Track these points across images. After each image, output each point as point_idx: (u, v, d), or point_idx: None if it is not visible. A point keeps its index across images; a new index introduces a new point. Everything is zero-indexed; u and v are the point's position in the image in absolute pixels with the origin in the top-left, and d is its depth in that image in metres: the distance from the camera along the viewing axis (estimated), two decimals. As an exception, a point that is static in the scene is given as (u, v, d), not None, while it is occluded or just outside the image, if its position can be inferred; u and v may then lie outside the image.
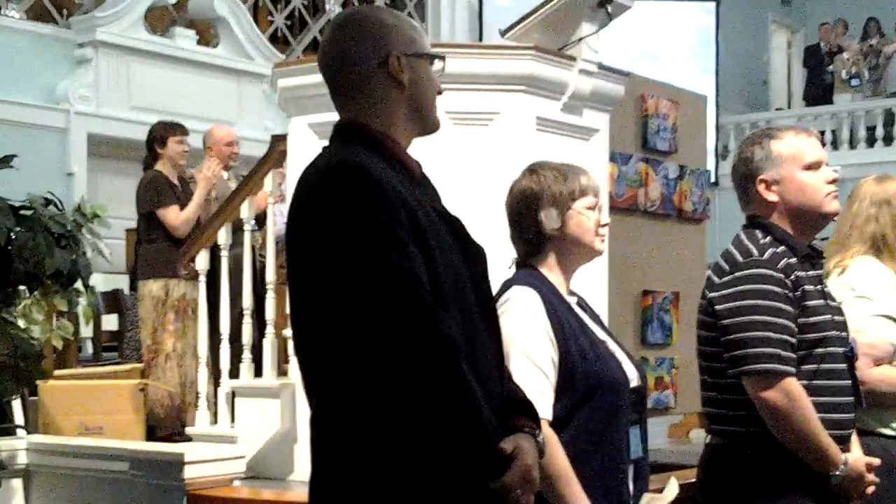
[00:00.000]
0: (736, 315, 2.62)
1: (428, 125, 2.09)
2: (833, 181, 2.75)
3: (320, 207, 1.89)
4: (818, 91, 14.86)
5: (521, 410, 2.04)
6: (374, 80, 2.02)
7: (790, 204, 2.73)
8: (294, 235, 1.95)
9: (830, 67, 14.65)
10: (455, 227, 2.03)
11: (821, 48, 14.99)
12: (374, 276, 1.82)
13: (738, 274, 2.66)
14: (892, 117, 13.74)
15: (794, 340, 2.61)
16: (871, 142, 13.87)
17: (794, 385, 2.58)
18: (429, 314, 1.82)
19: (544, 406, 2.35)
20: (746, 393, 2.61)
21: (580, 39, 3.80)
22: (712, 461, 2.77)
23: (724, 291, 2.66)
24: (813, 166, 2.73)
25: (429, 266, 1.88)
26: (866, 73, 14.49)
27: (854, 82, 14.42)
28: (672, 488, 2.62)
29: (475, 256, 2.05)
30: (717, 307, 2.66)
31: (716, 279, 2.71)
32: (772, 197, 2.73)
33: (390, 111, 2.02)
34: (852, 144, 13.87)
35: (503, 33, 3.82)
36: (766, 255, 2.66)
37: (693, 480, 3.72)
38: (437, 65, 2.09)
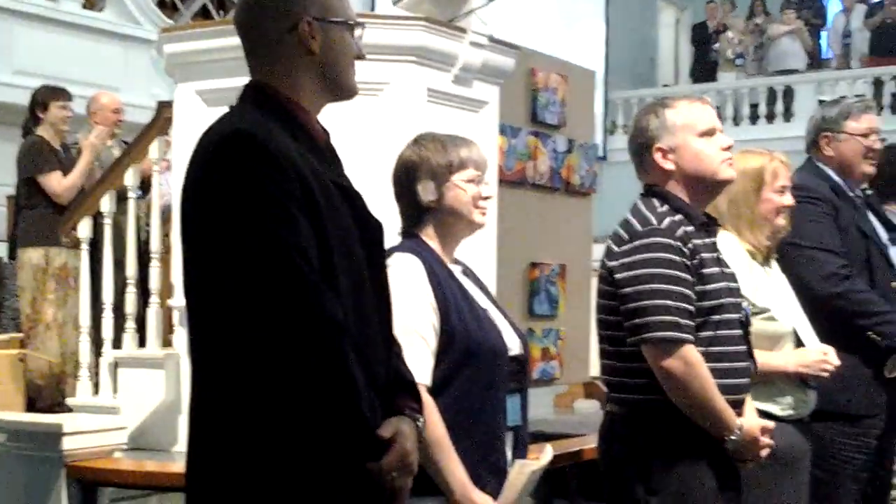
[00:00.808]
0: (635, 284, 2.65)
1: (341, 92, 2.07)
2: (728, 147, 2.79)
3: (212, 178, 1.86)
4: (704, 68, 15.13)
5: (405, 391, 2.05)
6: (284, 45, 2.00)
7: (686, 171, 2.76)
8: (186, 204, 1.92)
9: (717, 45, 14.93)
10: (354, 200, 2.01)
11: (707, 26, 15.24)
12: (260, 252, 1.80)
13: (637, 243, 2.68)
14: (775, 95, 14.10)
15: (692, 308, 2.66)
16: (754, 119, 14.23)
17: (692, 352, 2.62)
18: (314, 293, 1.81)
19: (423, 372, 2.36)
20: (646, 361, 2.65)
21: (471, 11, 3.81)
22: (612, 429, 2.81)
23: (623, 260, 2.69)
24: (707, 133, 2.77)
25: (320, 241, 1.86)
26: (751, 51, 14.81)
27: (739, 61, 14.72)
28: (546, 455, 2.66)
29: (372, 231, 2.04)
30: (617, 276, 2.69)
31: (615, 248, 2.73)
32: (668, 165, 2.77)
33: (300, 77, 2.01)
34: (736, 121, 14.19)
35: (395, 3, 3.80)
36: (665, 224, 2.69)
37: (574, 450, 3.81)
38: (357, 31, 2.07)
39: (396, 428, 1.93)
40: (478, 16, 3.86)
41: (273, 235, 1.81)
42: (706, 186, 2.79)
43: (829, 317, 3.38)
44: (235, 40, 2.08)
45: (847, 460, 3.52)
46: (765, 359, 3.04)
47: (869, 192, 3.93)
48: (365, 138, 3.60)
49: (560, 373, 4.89)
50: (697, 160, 2.76)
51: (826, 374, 3.15)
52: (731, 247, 3.12)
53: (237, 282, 1.81)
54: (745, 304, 2.86)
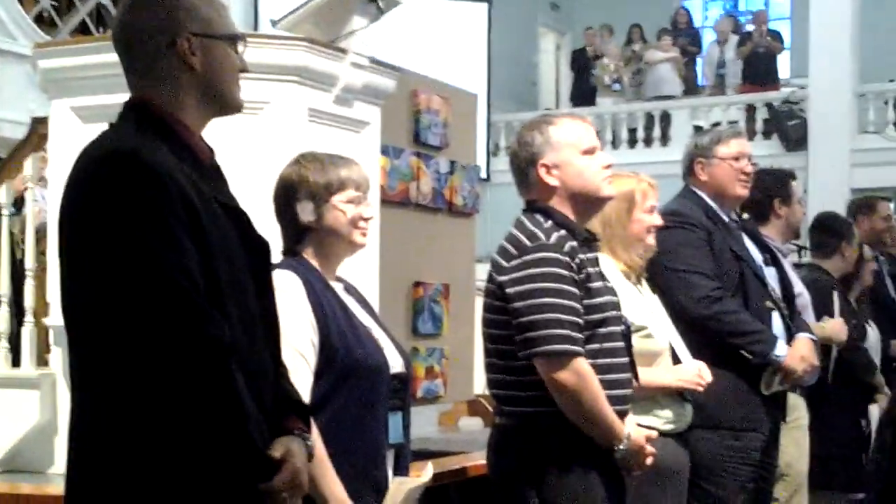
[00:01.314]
0: (527, 298, 2.69)
1: (226, 107, 2.04)
2: (608, 166, 2.86)
3: (93, 197, 1.82)
4: (584, 93, 15.38)
5: (294, 411, 2.05)
6: (164, 62, 1.96)
7: (570, 188, 2.81)
8: (65, 223, 1.88)
9: (595, 71, 15.21)
10: (240, 220, 1.99)
11: (586, 52, 15.52)
12: (143, 273, 1.77)
13: (526, 258, 2.73)
14: (653, 120, 14.43)
15: (581, 321, 2.71)
16: (632, 143, 14.53)
17: (584, 365, 2.68)
18: (198, 314, 1.78)
19: (302, 389, 2.35)
20: (537, 374, 2.69)
21: (352, 32, 3.82)
22: (502, 441, 2.84)
23: (514, 275, 2.73)
24: (589, 151, 2.84)
25: (205, 262, 1.83)
26: (626, 78, 15.11)
27: (615, 86, 15.02)
28: (426, 473, 2.67)
29: (258, 251, 2.02)
30: (508, 290, 2.72)
31: (504, 263, 2.77)
32: (552, 181, 2.81)
33: (181, 93, 1.97)
34: (615, 145, 14.47)
35: (275, 23, 3.79)
36: (553, 239, 2.74)
37: (456, 467, 3.83)
38: (240, 45, 2.04)
39: (287, 448, 1.92)
40: (359, 37, 3.87)
41: (156, 256, 1.78)
42: (589, 203, 2.86)
43: (703, 336, 3.50)
44: (112, 56, 2.04)
45: (733, 472, 3.62)
46: (646, 375, 3.12)
47: (745, 216, 4.07)
48: (245, 157, 3.57)
49: (444, 391, 4.91)
50: (581, 177, 2.82)
51: (701, 389, 3.25)
52: (607, 267, 3.20)
53: (120, 303, 1.77)
54: (624, 318, 2.94)
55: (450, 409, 5.77)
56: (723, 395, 3.51)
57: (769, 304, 3.81)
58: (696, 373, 3.26)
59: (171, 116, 1.96)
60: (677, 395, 3.28)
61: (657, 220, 3.30)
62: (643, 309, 3.25)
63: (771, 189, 4.39)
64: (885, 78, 13.84)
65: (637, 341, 3.13)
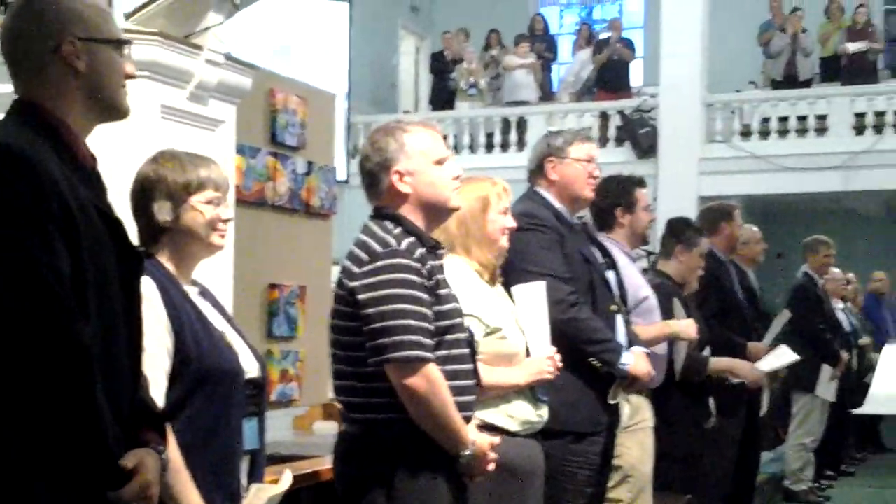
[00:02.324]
0: (379, 304, 2.68)
1: (112, 112, 2.04)
2: (457, 177, 2.89)
3: None
4: (443, 97, 15.48)
5: (150, 424, 2.03)
6: (50, 67, 1.96)
7: (421, 196, 2.83)
8: None
9: (454, 75, 15.33)
10: (115, 228, 1.98)
11: (445, 56, 15.63)
12: (12, 271, 1.74)
13: (379, 264, 2.72)
14: (509, 125, 14.62)
15: (432, 328, 2.72)
16: (489, 147, 14.69)
17: (434, 371, 2.69)
18: (65, 316, 1.76)
19: (156, 395, 2.31)
20: (386, 380, 2.68)
21: (207, 29, 3.75)
22: (350, 449, 2.82)
23: (366, 281, 2.71)
24: (441, 161, 2.85)
25: (75, 265, 1.81)
26: (483, 82, 15.27)
27: (472, 91, 15.16)
28: (285, 480, 2.65)
29: (131, 260, 2.01)
30: (360, 296, 2.71)
31: (356, 269, 2.75)
32: (405, 188, 2.82)
33: (67, 98, 1.97)
34: (473, 149, 14.61)
35: (128, 17, 3.70)
36: (404, 246, 2.74)
37: (309, 471, 3.79)
38: (126, 49, 2.04)
39: (139, 459, 1.91)
40: (215, 34, 3.81)
41: (27, 253, 1.76)
42: (437, 212, 2.88)
43: (557, 339, 3.54)
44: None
45: (572, 476, 3.67)
46: (497, 376, 3.15)
47: (583, 218, 4.14)
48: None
49: (299, 394, 4.87)
50: (433, 187, 2.84)
51: (552, 377, 3.27)
52: (461, 269, 3.22)
53: None
54: (473, 324, 2.96)
55: (304, 413, 5.72)
56: (569, 400, 3.56)
57: (613, 307, 3.89)
58: (543, 365, 3.27)
59: (57, 119, 1.96)
60: (532, 397, 3.30)
61: (511, 223, 3.34)
62: (498, 310, 3.28)
63: (614, 197, 4.47)
64: (732, 88, 14.35)
65: (492, 343, 3.16)
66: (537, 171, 3.92)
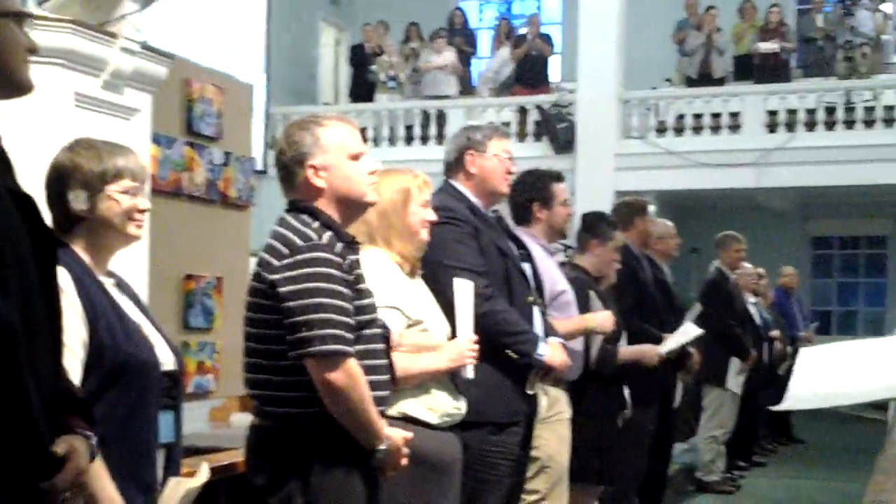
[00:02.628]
0: (300, 297, 2.66)
1: (13, 87, 1.93)
2: (373, 172, 2.88)
3: None
4: (362, 89, 15.44)
5: (75, 410, 1.97)
6: None
7: (337, 191, 2.81)
8: None
9: (374, 67, 15.30)
10: (28, 208, 1.89)
11: (365, 48, 15.59)
12: None
13: (299, 257, 2.69)
14: (429, 119, 14.63)
15: (353, 322, 2.71)
16: (409, 140, 14.69)
17: (354, 366, 2.67)
18: None
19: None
20: (303, 374, 2.66)
21: (123, 17, 3.70)
22: (266, 443, 2.80)
23: (286, 274, 2.69)
24: (356, 156, 2.85)
25: None
26: (402, 75, 15.27)
27: (391, 84, 15.14)
28: (202, 474, 2.63)
29: (45, 242, 1.93)
30: (281, 289, 2.68)
31: (275, 262, 2.72)
32: (320, 183, 2.80)
33: None
34: (392, 142, 14.61)
35: (41, 3, 3.63)
36: (325, 240, 2.72)
37: (226, 462, 3.77)
38: (26, 23, 1.94)
39: (70, 445, 1.85)
40: (130, 22, 3.76)
41: None
42: (353, 207, 2.87)
43: (474, 332, 3.56)
44: None
45: (492, 466, 3.69)
46: (419, 362, 3.15)
47: (497, 212, 4.16)
48: (9, 143, 3.41)
49: (216, 386, 4.83)
50: (348, 181, 2.83)
51: (473, 361, 3.28)
52: (381, 261, 3.22)
53: None
54: (395, 316, 2.96)
55: (221, 405, 5.67)
56: (487, 391, 3.58)
57: (530, 299, 3.92)
58: (464, 349, 3.27)
59: None
60: (452, 388, 3.32)
61: (431, 215, 3.34)
62: (419, 302, 3.28)
63: (531, 192, 4.51)
64: (648, 85, 14.54)
65: (414, 335, 3.17)
66: (455, 164, 3.94)
